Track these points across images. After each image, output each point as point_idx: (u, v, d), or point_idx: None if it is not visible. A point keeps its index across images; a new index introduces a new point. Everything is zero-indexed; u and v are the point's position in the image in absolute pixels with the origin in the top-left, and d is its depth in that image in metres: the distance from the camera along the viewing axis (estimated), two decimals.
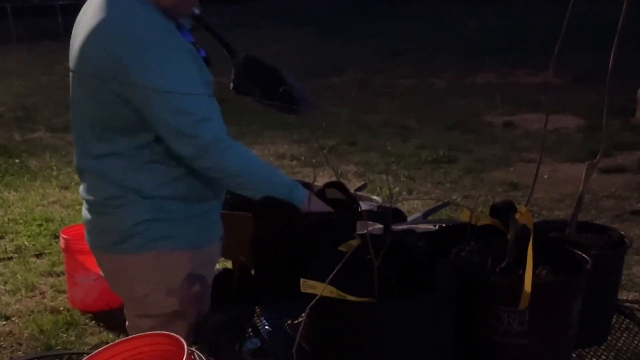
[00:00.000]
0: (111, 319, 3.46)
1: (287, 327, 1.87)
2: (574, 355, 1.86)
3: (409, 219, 2.47)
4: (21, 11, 16.91)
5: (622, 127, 7.09)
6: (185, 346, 1.68)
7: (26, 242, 4.65)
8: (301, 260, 1.59)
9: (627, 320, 2.12)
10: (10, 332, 3.52)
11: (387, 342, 1.49)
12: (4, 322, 3.63)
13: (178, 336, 1.73)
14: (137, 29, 1.83)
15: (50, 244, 4.60)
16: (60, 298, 3.86)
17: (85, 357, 1.80)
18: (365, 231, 1.65)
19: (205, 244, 2.04)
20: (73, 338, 3.40)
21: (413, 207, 4.99)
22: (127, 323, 2.10)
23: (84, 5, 1.98)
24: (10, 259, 4.42)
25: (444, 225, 2.26)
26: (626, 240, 1.96)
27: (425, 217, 3.17)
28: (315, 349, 1.58)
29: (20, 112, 9.09)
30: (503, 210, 1.88)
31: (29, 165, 6.61)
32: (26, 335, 3.50)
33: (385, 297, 1.57)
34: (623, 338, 2.04)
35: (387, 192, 5.26)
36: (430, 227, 2.30)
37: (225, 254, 2.25)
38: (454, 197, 5.25)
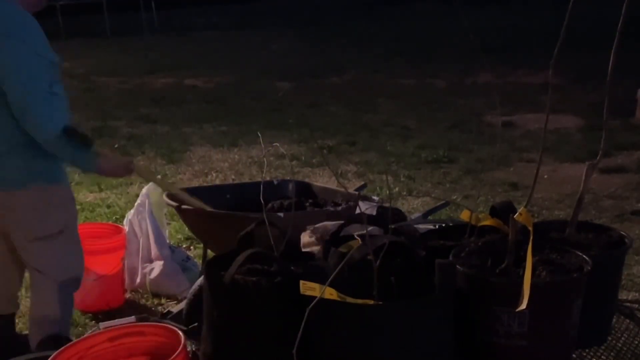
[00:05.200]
0: (111, 319, 3.45)
1: None
2: (574, 355, 1.86)
3: (409, 219, 2.47)
4: None
5: (622, 127, 7.09)
6: (183, 338, 1.69)
7: None
8: None
9: (627, 320, 2.12)
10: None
11: (387, 343, 1.49)
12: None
13: (175, 329, 1.74)
14: None
15: None
16: None
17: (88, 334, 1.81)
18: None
19: None
20: (73, 338, 3.40)
21: (413, 207, 4.99)
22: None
23: None
24: None
25: (444, 225, 2.27)
26: (626, 240, 1.96)
27: (425, 217, 3.18)
28: (315, 349, 1.58)
29: None
30: (503, 211, 1.88)
31: None
32: (26, 335, 3.49)
33: (385, 298, 1.57)
34: (623, 338, 2.04)
35: (387, 192, 5.26)
36: (430, 227, 2.30)
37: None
38: (454, 197, 5.25)
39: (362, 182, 4.03)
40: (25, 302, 3.18)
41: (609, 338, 2.00)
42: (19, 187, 2.44)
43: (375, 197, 3.26)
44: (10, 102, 2.32)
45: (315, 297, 1.48)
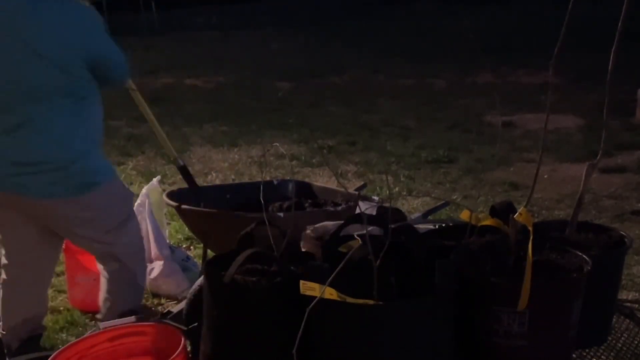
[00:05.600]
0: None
1: None
2: (574, 355, 1.86)
3: (409, 219, 2.47)
4: None
5: (622, 127, 7.09)
6: (183, 338, 1.69)
7: None
8: None
9: (627, 320, 2.12)
10: None
11: (387, 343, 1.49)
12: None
13: (175, 329, 1.75)
14: None
15: None
16: (60, 298, 3.86)
17: (87, 334, 1.81)
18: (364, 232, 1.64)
19: None
20: (73, 338, 3.40)
21: (413, 207, 4.99)
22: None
23: None
24: None
25: (444, 225, 2.26)
26: (626, 240, 1.96)
27: (425, 217, 3.18)
28: (315, 349, 1.58)
29: None
30: (503, 211, 1.88)
31: None
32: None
33: (385, 298, 1.57)
34: (623, 338, 2.04)
35: (387, 192, 5.26)
36: (430, 227, 2.30)
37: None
38: (454, 197, 5.25)
39: (362, 182, 4.04)
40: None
41: (609, 338, 2.00)
42: (93, 189, 2.53)
43: (375, 197, 3.26)
44: (108, 79, 2.57)
45: (315, 297, 1.48)
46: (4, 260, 2.75)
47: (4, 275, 2.76)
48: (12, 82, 2.38)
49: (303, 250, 1.99)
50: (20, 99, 2.38)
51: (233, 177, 6.11)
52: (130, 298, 2.77)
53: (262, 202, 1.97)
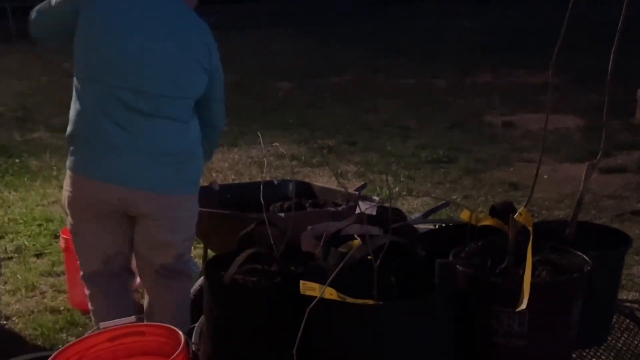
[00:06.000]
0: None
1: None
2: (574, 355, 1.86)
3: (409, 219, 2.47)
4: (21, 11, 16.89)
5: (622, 127, 7.10)
6: (183, 338, 1.69)
7: (26, 242, 4.65)
8: None
9: (627, 320, 2.12)
10: (10, 332, 3.52)
11: (387, 343, 1.49)
12: (4, 322, 3.63)
13: (175, 328, 1.75)
14: None
15: (50, 244, 4.61)
16: (60, 298, 3.86)
17: (87, 334, 1.81)
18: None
19: None
20: (73, 338, 3.40)
21: (413, 207, 5.00)
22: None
23: None
24: (10, 259, 4.42)
25: (444, 225, 2.27)
26: (626, 240, 1.96)
27: (425, 217, 3.18)
28: (315, 349, 1.58)
29: (20, 112, 9.09)
30: (503, 211, 1.88)
31: (29, 165, 6.61)
32: (26, 335, 3.50)
33: (385, 298, 1.57)
34: (623, 338, 2.04)
35: (387, 192, 5.26)
36: (430, 227, 2.30)
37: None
38: (454, 197, 5.25)
39: (362, 182, 4.04)
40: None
41: (609, 338, 2.00)
42: (194, 191, 2.62)
43: (375, 197, 3.26)
44: (213, 98, 2.62)
45: (315, 297, 1.48)
46: (88, 269, 2.76)
47: (87, 291, 2.79)
48: (163, 81, 2.43)
49: (303, 250, 2.00)
50: (167, 95, 2.44)
51: (233, 177, 6.11)
52: (186, 320, 2.64)
53: (262, 202, 1.97)
